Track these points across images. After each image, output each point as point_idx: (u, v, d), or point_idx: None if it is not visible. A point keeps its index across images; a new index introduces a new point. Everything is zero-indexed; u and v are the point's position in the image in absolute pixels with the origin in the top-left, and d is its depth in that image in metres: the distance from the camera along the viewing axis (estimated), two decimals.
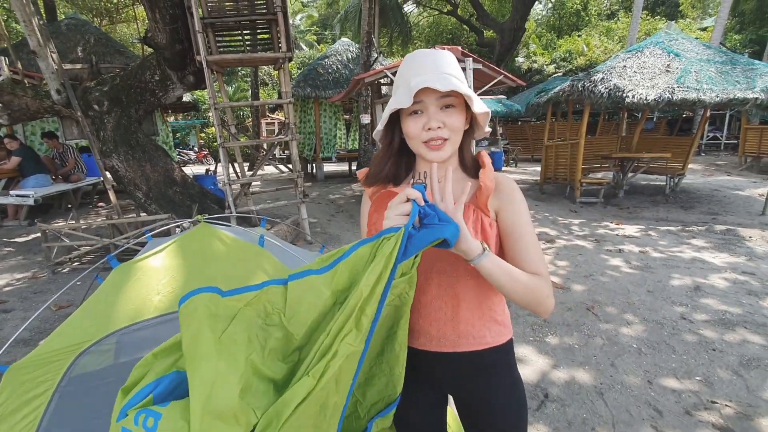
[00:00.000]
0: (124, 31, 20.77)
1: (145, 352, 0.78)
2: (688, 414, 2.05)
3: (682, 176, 7.60)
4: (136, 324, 1.45)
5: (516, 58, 25.01)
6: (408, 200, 0.81)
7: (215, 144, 20.21)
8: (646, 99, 5.52)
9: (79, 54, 8.58)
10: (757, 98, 5.03)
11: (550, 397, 2.22)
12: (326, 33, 30.71)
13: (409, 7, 26.86)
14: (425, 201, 0.81)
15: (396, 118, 0.99)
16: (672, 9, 29.87)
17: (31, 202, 5.70)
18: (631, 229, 5.38)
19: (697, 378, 2.34)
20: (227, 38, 5.06)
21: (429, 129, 0.92)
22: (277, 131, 16.81)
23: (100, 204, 7.56)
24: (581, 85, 6.03)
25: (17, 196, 5.71)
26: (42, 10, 9.86)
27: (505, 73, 5.84)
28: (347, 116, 13.33)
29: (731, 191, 7.62)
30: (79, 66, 5.53)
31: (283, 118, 16.78)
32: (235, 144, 4.68)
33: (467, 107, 0.95)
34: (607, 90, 5.72)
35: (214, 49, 4.52)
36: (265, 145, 5.69)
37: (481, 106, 0.95)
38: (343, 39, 12.81)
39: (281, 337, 0.79)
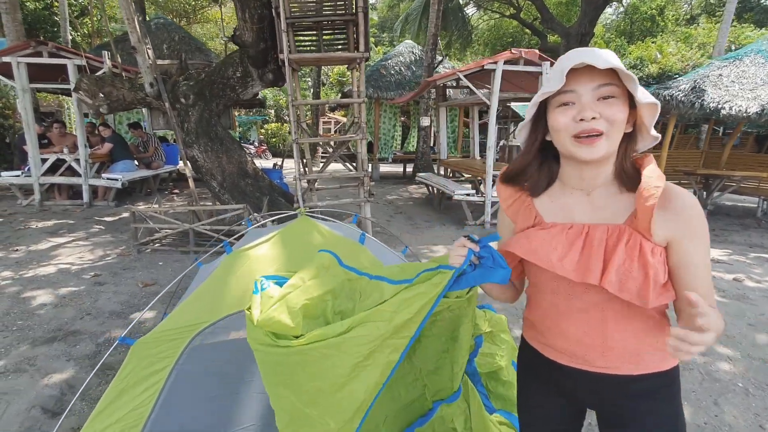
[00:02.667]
0: (199, 31, 22.19)
1: None
2: None
3: None
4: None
5: None
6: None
7: (273, 139, 21.08)
8: (746, 111, 5.00)
9: (165, 51, 9.25)
10: None
11: None
12: (383, 35, 31.00)
13: (470, 10, 26.48)
14: (481, 246, 0.93)
15: (544, 113, 0.89)
16: (761, 15, 27.19)
17: (119, 185, 6.20)
18: (718, 253, 4.90)
19: None
20: (302, 38, 5.21)
21: (581, 120, 0.79)
22: (333, 130, 17.18)
23: (176, 190, 8.08)
24: (669, 93, 5.59)
25: (108, 179, 6.23)
26: None
27: None
28: (404, 118, 13.35)
29: None
30: (168, 62, 5.95)
31: (340, 117, 17.13)
32: (309, 140, 4.80)
33: (631, 105, 0.81)
34: (699, 100, 5.25)
35: (293, 48, 4.66)
36: (332, 143, 5.78)
37: (646, 95, 0.79)
38: (406, 41, 12.84)
39: (351, 309, 1.04)
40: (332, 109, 15.72)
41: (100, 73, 5.92)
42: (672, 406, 0.91)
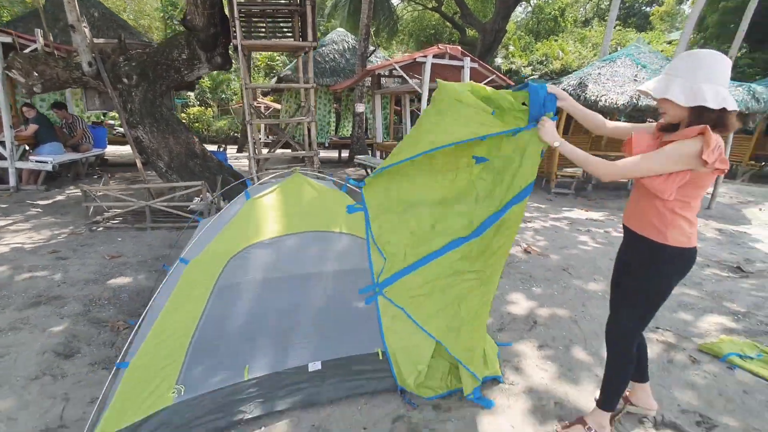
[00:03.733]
0: (117, 4, 20.25)
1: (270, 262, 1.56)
2: None
3: None
4: (264, 241, 2.03)
5: (494, 59, 25.97)
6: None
7: (196, 124, 20.10)
8: (616, 103, 6.36)
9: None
10: None
11: (538, 323, 2.93)
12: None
13: (395, 0, 27.24)
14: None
15: None
16: (642, 20, 31.67)
17: (49, 167, 5.95)
18: (596, 215, 6.24)
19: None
20: (250, 25, 5.49)
21: None
22: (264, 115, 16.96)
23: (108, 175, 7.77)
24: (561, 88, 6.81)
25: (37, 161, 5.93)
26: None
27: (498, 73, 6.54)
28: (336, 105, 13.77)
29: None
30: (103, 40, 5.79)
31: (270, 102, 16.95)
32: (261, 122, 5.15)
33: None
34: (584, 93, 6.52)
35: (245, 35, 4.95)
36: (282, 125, 6.14)
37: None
38: (338, 29, 13.20)
39: None
40: (264, 94, 15.55)
41: (29, 50, 5.58)
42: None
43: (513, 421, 2.00)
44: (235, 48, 4.67)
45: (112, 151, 10.63)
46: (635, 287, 1.71)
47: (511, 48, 27.96)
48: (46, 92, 5.35)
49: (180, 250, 2.96)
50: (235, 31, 4.48)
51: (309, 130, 5.11)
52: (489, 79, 6.51)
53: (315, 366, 2.07)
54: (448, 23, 25.72)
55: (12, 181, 5.97)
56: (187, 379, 1.84)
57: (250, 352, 1.99)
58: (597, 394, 1.93)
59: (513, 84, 7.43)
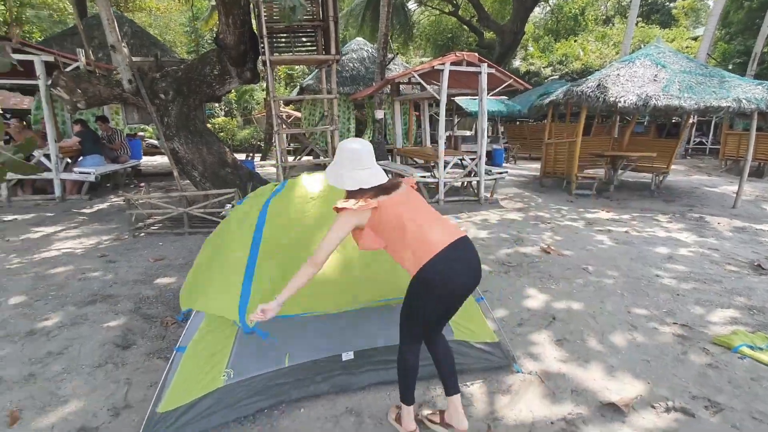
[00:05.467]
0: (144, 20, 21.34)
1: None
2: (655, 328, 2.90)
3: (666, 174, 8.50)
4: None
5: (513, 60, 25.83)
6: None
7: (221, 134, 20.82)
8: (635, 104, 6.38)
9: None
10: (729, 106, 5.93)
11: (557, 318, 3.05)
12: None
13: (411, 5, 27.53)
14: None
15: None
16: (666, 16, 30.88)
17: (92, 178, 6.41)
18: (618, 216, 6.26)
19: (663, 310, 3.19)
20: (275, 41, 5.81)
21: None
22: (286, 123, 17.47)
23: (142, 184, 8.24)
24: (580, 90, 6.87)
25: (80, 173, 6.40)
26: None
27: (515, 77, 6.66)
28: (356, 112, 14.08)
29: (709, 188, 8.56)
30: (140, 59, 6.23)
31: (291, 111, 17.43)
32: (289, 131, 5.44)
33: None
34: (603, 95, 6.56)
35: (269, 51, 5.26)
36: (307, 134, 6.43)
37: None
38: (357, 39, 13.53)
39: None
40: (286, 103, 16.03)
41: (70, 68, 6.07)
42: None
43: (531, 407, 2.15)
44: (264, 63, 4.97)
45: (144, 162, 11.22)
46: (401, 313, 1.85)
47: (530, 49, 27.80)
48: (89, 108, 5.79)
49: None
50: (263, 48, 4.78)
51: (332, 138, 5.36)
52: (506, 83, 6.64)
53: (348, 356, 2.28)
54: (465, 27, 25.82)
55: (57, 191, 6.45)
56: (235, 364, 2.07)
57: (290, 341, 2.21)
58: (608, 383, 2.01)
59: (530, 87, 7.50)
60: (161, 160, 12.30)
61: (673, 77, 6.58)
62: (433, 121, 9.78)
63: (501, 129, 14.31)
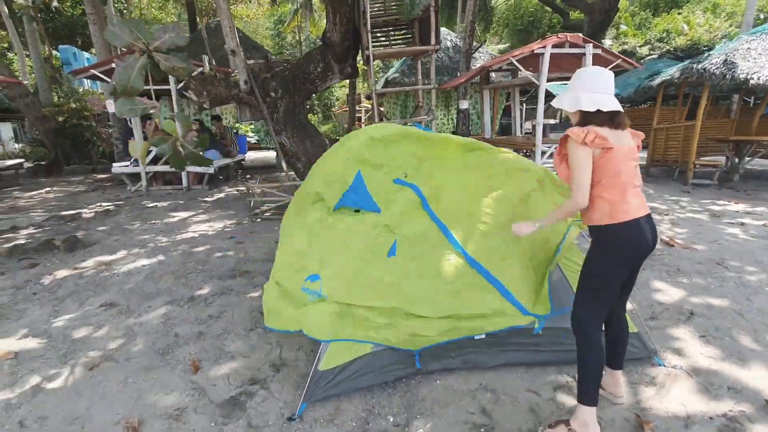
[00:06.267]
0: (237, 26, 23.39)
1: None
2: None
3: None
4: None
5: (603, 41, 23.66)
6: None
7: None
8: None
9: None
10: None
11: (695, 314, 2.83)
12: None
13: None
14: None
15: None
16: None
17: (212, 170, 7.20)
18: (751, 208, 5.54)
19: None
20: (374, 36, 6.00)
21: None
22: (364, 117, 17.98)
23: (247, 175, 9.09)
24: (702, 67, 6.16)
25: None
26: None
27: (624, 57, 6.17)
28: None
29: None
30: (252, 61, 6.85)
31: (368, 105, 17.84)
32: (387, 123, 5.64)
33: None
34: (731, 72, 5.82)
35: (371, 45, 5.47)
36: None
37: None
38: (441, 29, 13.42)
39: None
40: (368, 98, 16.49)
41: (196, 72, 6.85)
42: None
43: (683, 400, 2.04)
44: (365, 58, 5.18)
45: (249, 156, 12.34)
46: (581, 274, 1.82)
47: (623, 27, 25.33)
48: (212, 107, 6.49)
49: None
50: (365, 42, 4.98)
51: (433, 128, 5.43)
52: (614, 63, 6.18)
53: (480, 336, 2.35)
54: (547, 8, 24.27)
55: (184, 182, 7.36)
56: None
57: None
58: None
59: (641, 66, 6.90)
60: (256, 155, 13.42)
61: None
62: (507, 111, 9.41)
63: None
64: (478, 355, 2.34)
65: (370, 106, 17.87)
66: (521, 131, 8.40)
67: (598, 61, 6.14)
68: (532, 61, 6.26)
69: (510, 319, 2.22)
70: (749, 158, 7.44)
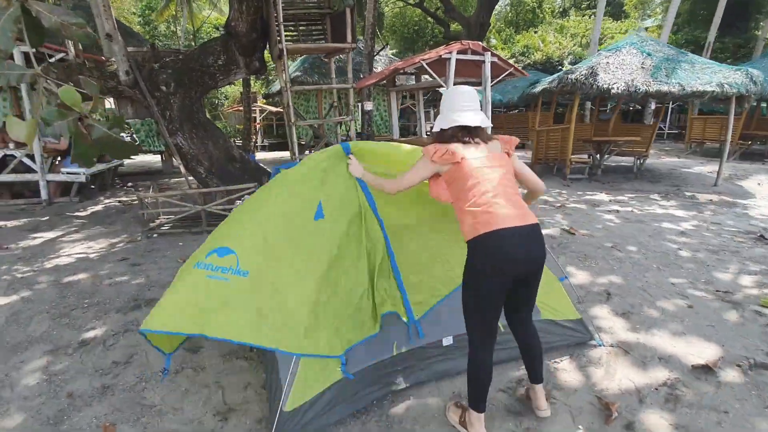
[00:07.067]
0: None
1: None
2: (702, 296, 3.10)
3: (646, 157, 9.02)
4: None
5: None
6: None
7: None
8: (627, 90, 6.71)
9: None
10: (713, 91, 6.37)
11: (612, 294, 3.19)
12: None
13: None
14: None
15: None
16: (617, 9, 32.54)
17: (82, 179, 5.95)
18: (619, 197, 6.60)
19: (702, 280, 3.41)
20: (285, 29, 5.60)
21: None
22: (259, 118, 16.93)
23: (129, 184, 7.75)
24: (574, 77, 7.13)
25: (69, 173, 5.92)
26: None
27: (515, 66, 6.81)
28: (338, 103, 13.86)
29: (684, 170, 9.19)
30: (133, 49, 5.80)
31: (264, 105, 16.89)
32: (305, 123, 5.29)
33: None
34: (596, 82, 6.85)
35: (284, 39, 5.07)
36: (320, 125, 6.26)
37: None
38: None
39: None
40: (265, 97, 15.54)
41: (55, 59, 5.56)
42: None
43: (629, 376, 2.25)
44: (276, 52, 4.78)
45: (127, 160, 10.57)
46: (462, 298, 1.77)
47: (493, 41, 28.38)
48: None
49: None
50: (278, 36, 4.59)
51: (349, 128, 5.26)
52: (507, 72, 6.78)
53: (448, 341, 2.28)
54: (430, 19, 25.95)
55: (43, 194, 5.94)
56: (351, 355, 2.01)
57: (397, 330, 2.17)
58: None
59: (528, 75, 7.68)
60: (136, 160, 11.60)
61: (659, 64, 6.97)
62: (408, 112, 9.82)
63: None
64: (444, 363, 2.27)
65: (266, 106, 16.89)
66: (424, 132, 8.75)
67: (495, 68, 6.67)
68: (437, 66, 6.51)
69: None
70: (608, 155, 8.89)
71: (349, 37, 4.78)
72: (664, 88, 6.55)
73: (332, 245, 1.94)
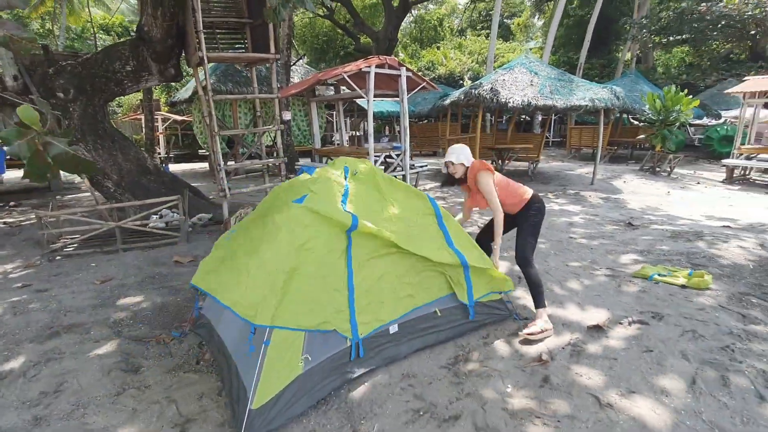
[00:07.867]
0: None
1: None
2: (591, 273, 3.78)
3: (538, 162, 10.36)
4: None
5: None
6: None
7: None
8: (521, 104, 7.72)
9: None
10: (587, 105, 7.65)
11: (522, 278, 3.72)
12: None
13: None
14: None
15: None
16: (505, 31, 36.53)
17: None
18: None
19: (589, 261, 4.14)
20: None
21: None
22: (162, 127, 15.68)
23: (11, 202, 6.70)
24: (478, 92, 7.99)
25: None
26: None
27: (427, 81, 7.40)
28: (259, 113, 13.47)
29: (568, 172, 10.72)
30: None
31: (168, 114, 15.72)
32: (228, 132, 5.16)
33: None
34: (496, 96, 7.76)
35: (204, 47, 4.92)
36: (256, 135, 6.11)
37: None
38: None
39: None
40: (171, 105, 14.41)
41: None
42: None
43: (544, 341, 2.71)
44: (195, 60, 4.64)
45: (7, 176, 9.06)
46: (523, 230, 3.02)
47: (401, 56, 29.90)
48: None
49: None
50: (194, 43, 4.47)
51: (275, 139, 5.28)
52: (421, 86, 7.34)
53: (394, 329, 2.52)
54: (340, 30, 26.47)
55: None
56: (310, 349, 2.14)
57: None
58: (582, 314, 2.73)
59: (438, 89, 8.36)
60: (19, 174, 9.99)
61: (544, 82, 8.14)
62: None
63: (397, 128, 15.32)
64: (394, 348, 2.50)
65: (169, 114, 15.69)
66: (345, 142, 9.01)
67: (409, 82, 7.18)
68: (357, 78, 6.82)
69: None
70: (508, 161, 10.05)
71: (272, 48, 4.83)
72: (550, 102, 7.67)
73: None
